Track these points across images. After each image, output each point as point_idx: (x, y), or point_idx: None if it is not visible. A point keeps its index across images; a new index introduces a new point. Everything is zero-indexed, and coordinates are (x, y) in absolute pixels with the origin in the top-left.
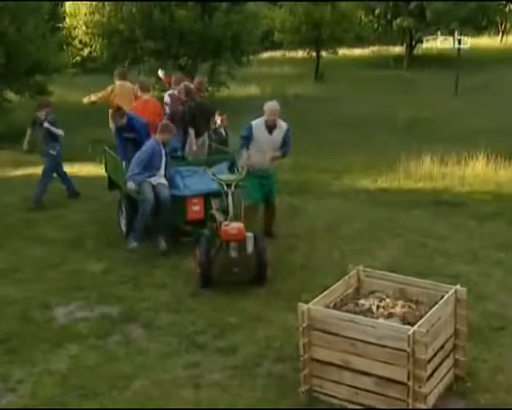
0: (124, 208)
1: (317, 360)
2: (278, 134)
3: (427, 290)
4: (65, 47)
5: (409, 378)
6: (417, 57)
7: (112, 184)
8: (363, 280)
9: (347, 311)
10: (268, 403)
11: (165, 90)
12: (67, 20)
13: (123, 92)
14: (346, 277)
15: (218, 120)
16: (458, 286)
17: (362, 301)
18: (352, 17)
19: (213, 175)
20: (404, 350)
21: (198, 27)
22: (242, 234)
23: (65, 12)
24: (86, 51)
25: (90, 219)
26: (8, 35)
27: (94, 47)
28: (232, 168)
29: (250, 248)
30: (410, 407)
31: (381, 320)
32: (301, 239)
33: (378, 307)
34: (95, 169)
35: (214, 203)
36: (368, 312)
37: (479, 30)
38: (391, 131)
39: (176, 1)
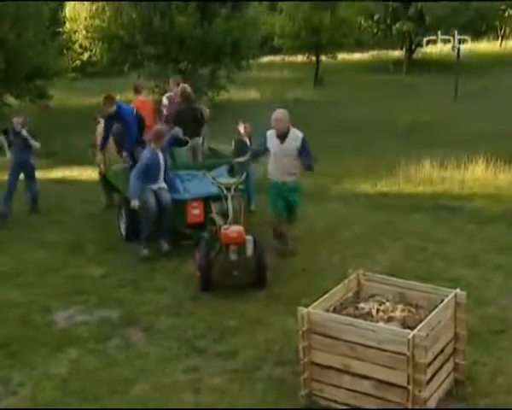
0: (123, 213)
1: (317, 364)
2: (291, 143)
3: (426, 294)
4: (65, 51)
5: (408, 382)
6: (417, 61)
7: (107, 183)
8: (362, 284)
9: (347, 315)
10: (268, 407)
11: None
12: (67, 24)
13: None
14: (346, 280)
15: (241, 128)
16: (458, 290)
17: (362, 305)
18: (352, 22)
19: (213, 179)
20: (404, 354)
21: (198, 33)
22: (242, 237)
23: (65, 16)
24: (86, 55)
25: (90, 223)
26: (8, 41)
27: (94, 51)
28: (231, 172)
29: (250, 251)
30: None
31: (380, 324)
32: (301, 243)
33: (378, 310)
34: (94, 173)
35: (214, 207)
36: (368, 315)
37: (478, 35)
38: (390, 135)
39: (177, 0)
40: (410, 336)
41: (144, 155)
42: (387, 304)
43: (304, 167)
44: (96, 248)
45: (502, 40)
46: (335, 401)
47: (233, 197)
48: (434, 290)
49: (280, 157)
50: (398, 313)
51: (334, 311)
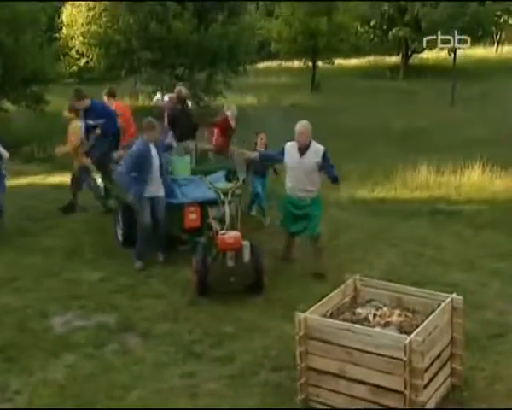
0: (120, 218)
1: (314, 369)
2: (311, 157)
3: (423, 299)
4: (62, 57)
5: (405, 387)
6: (413, 67)
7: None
8: (359, 289)
9: (344, 320)
10: None
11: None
12: (64, 30)
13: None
14: (343, 286)
15: (258, 140)
16: (454, 295)
17: (358, 310)
18: (349, 27)
19: (210, 184)
20: (401, 359)
21: (194, 38)
22: (239, 243)
23: (62, 22)
24: (83, 61)
25: (87, 228)
26: (5, 46)
27: (91, 57)
28: (229, 177)
29: (247, 256)
30: None
31: (377, 329)
32: (298, 248)
33: (375, 315)
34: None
35: (211, 212)
36: (364, 321)
37: (474, 40)
38: (387, 141)
39: (174, 1)
40: (407, 341)
41: (135, 145)
42: (384, 309)
43: (331, 180)
44: (94, 253)
45: (497, 46)
46: (332, 407)
47: (230, 202)
48: (431, 295)
49: (297, 171)
50: (394, 318)
51: (331, 316)
